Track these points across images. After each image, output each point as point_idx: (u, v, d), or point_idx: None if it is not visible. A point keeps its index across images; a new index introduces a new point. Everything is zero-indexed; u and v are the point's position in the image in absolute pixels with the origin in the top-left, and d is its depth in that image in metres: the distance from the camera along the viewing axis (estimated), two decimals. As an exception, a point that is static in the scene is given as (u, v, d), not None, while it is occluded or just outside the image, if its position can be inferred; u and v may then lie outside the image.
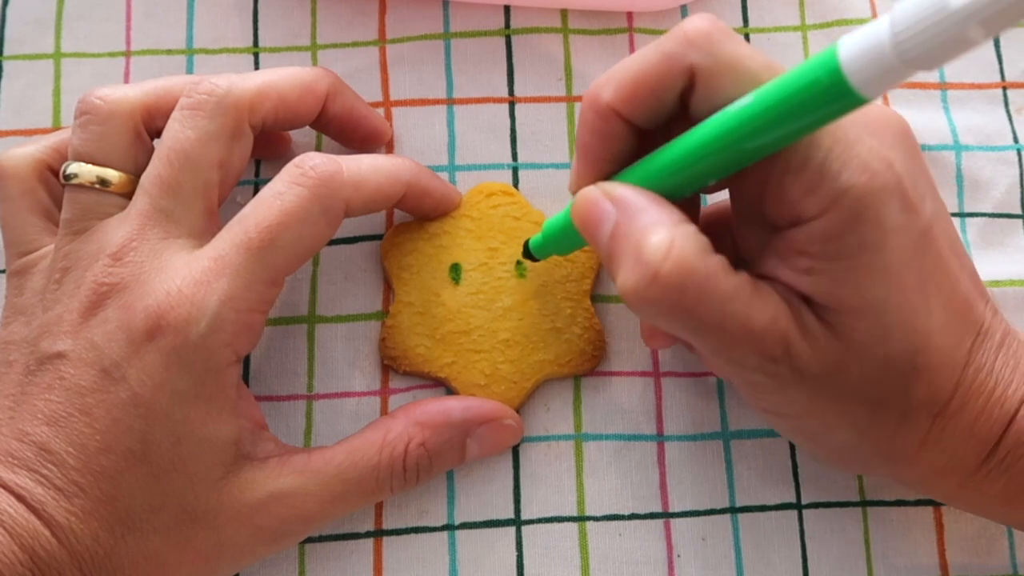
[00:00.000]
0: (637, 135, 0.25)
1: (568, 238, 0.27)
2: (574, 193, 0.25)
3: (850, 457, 0.25)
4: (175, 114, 0.27)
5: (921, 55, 0.18)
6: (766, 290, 0.23)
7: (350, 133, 0.31)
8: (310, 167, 0.26)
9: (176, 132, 0.26)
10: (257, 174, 0.32)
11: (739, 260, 0.26)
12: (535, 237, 0.29)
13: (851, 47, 0.19)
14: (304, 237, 0.26)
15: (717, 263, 0.22)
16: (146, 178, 0.26)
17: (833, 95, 0.19)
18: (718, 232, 0.28)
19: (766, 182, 0.23)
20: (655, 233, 0.22)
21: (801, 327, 0.22)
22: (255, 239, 0.25)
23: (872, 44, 0.18)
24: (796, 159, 0.22)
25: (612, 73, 0.24)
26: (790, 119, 0.20)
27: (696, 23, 0.23)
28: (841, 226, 0.22)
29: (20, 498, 0.24)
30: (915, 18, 0.17)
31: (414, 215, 0.31)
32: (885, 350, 0.22)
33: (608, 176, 0.25)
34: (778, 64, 0.23)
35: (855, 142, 0.22)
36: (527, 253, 0.29)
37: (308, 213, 0.26)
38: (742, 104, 0.21)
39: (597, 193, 0.24)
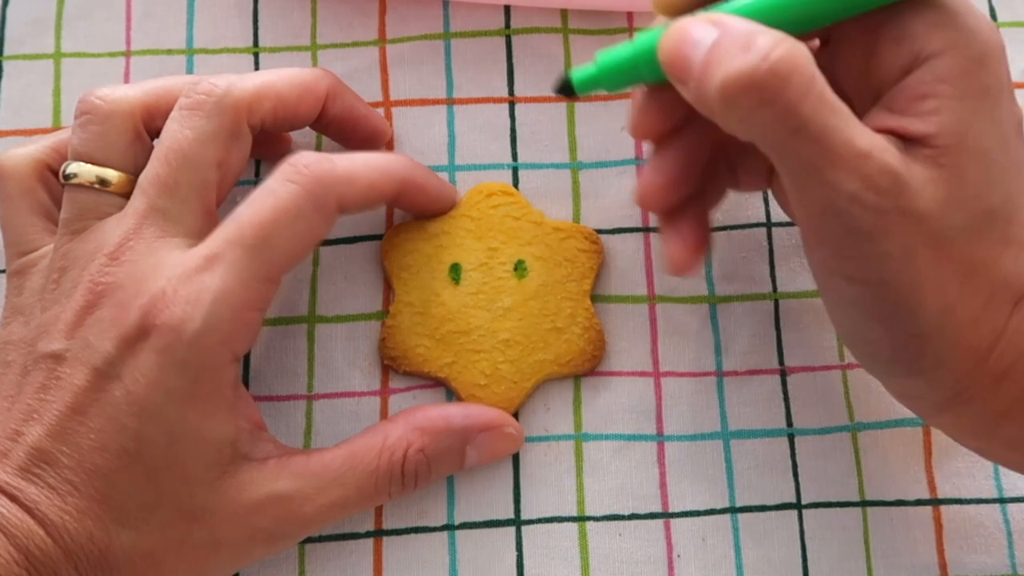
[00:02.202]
0: None
1: (635, 70, 0.25)
2: (661, 5, 0.25)
3: (920, 347, 0.23)
4: (173, 114, 0.27)
5: None
6: (867, 127, 0.22)
7: (350, 133, 0.31)
8: (303, 164, 0.26)
9: (174, 132, 0.26)
10: (257, 174, 0.32)
11: None
12: (583, 69, 0.26)
13: None
14: (299, 234, 0.26)
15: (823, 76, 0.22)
16: (144, 178, 0.26)
17: None
18: (751, 157, 0.28)
19: (880, 26, 0.23)
20: (763, 35, 0.21)
21: (909, 162, 0.22)
22: (249, 236, 0.25)
23: None
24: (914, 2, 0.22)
25: None
26: None
27: None
28: (969, 64, 0.22)
29: (13, 498, 0.24)
30: None
31: (410, 212, 0.31)
32: (989, 202, 0.22)
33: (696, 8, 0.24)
34: None
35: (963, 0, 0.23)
36: (564, 87, 0.26)
37: (301, 210, 0.26)
38: None
39: (698, 20, 0.23)
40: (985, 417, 0.24)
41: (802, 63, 0.21)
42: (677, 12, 0.24)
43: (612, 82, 0.26)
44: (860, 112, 0.23)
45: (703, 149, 0.27)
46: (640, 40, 0.25)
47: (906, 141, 0.22)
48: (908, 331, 0.23)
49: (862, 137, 0.21)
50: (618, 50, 0.25)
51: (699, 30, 0.22)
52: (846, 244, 0.22)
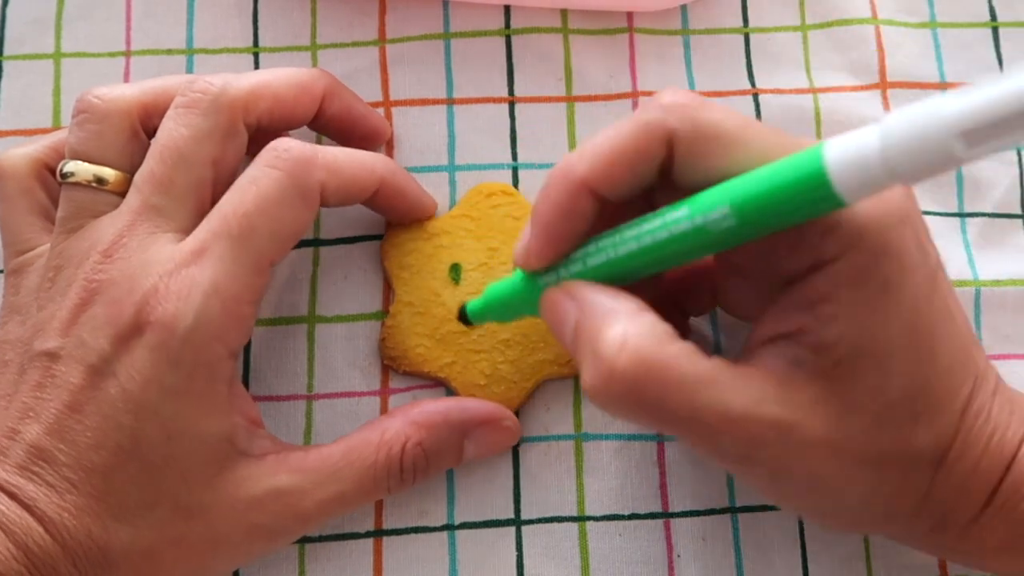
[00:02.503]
0: (601, 209, 0.24)
1: (511, 310, 0.27)
2: (520, 266, 0.25)
3: (858, 521, 0.25)
4: (169, 112, 0.27)
5: (908, 169, 0.18)
6: (746, 371, 0.22)
7: (349, 133, 0.31)
8: (283, 149, 0.26)
9: (170, 130, 0.26)
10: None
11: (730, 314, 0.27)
12: (474, 302, 0.28)
13: (839, 154, 0.19)
14: (284, 220, 0.26)
15: (680, 351, 0.21)
16: (139, 176, 0.27)
17: (815, 200, 0.20)
18: (696, 290, 0.28)
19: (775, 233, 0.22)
20: (610, 328, 0.21)
21: (795, 389, 0.22)
22: (235, 226, 0.25)
23: (860, 153, 0.18)
24: None
25: (586, 148, 0.23)
26: (766, 221, 0.20)
27: (669, 94, 0.23)
28: (865, 265, 0.21)
29: (12, 496, 0.24)
30: (906, 131, 0.18)
31: (386, 216, 0.31)
32: (889, 395, 0.22)
33: (565, 252, 0.24)
34: (754, 121, 0.23)
35: None
36: (463, 317, 0.28)
37: (285, 195, 0.26)
38: (717, 199, 0.21)
39: (560, 293, 0.23)
40: (938, 553, 0.27)
41: (649, 355, 0.21)
42: (536, 270, 0.25)
43: (499, 316, 0.27)
44: (772, 292, 0.23)
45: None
46: (518, 281, 0.26)
47: (808, 346, 0.22)
48: (836, 519, 0.25)
49: (738, 398, 0.21)
50: (501, 287, 0.26)
51: (563, 307, 0.23)
52: (753, 481, 0.24)
